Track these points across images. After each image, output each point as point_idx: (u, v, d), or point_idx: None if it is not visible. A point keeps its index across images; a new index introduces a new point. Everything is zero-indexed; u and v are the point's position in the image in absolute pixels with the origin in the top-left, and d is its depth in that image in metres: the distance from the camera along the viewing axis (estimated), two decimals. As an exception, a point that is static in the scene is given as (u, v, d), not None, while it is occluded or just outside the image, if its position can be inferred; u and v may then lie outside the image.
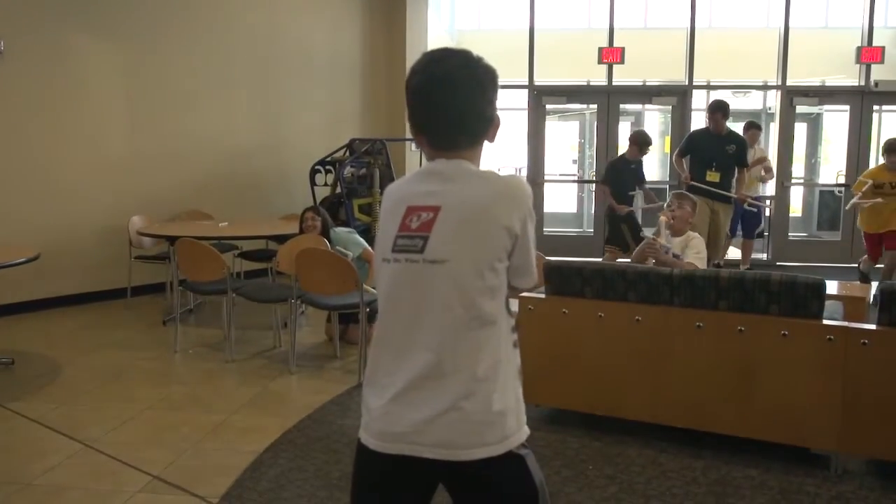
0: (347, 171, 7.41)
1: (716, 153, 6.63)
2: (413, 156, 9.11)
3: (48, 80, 6.48)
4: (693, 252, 4.27)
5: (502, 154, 13.99)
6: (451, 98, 1.56)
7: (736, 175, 6.80)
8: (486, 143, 1.63)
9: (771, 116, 10.78)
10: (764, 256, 9.29)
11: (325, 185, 7.75)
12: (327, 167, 7.75)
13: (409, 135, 7.48)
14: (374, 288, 5.06)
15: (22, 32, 6.27)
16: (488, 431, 1.52)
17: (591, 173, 10.74)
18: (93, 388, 4.51)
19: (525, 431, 1.58)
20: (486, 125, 1.61)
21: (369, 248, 5.40)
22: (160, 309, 6.53)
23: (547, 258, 4.12)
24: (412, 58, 8.06)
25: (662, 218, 4.41)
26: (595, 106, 9.98)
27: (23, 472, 3.33)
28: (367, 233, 7.25)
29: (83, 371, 4.85)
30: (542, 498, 1.58)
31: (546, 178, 9.87)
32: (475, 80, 1.57)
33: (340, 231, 5.50)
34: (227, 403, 4.22)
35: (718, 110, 6.68)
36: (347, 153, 7.83)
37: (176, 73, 7.35)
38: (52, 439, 3.71)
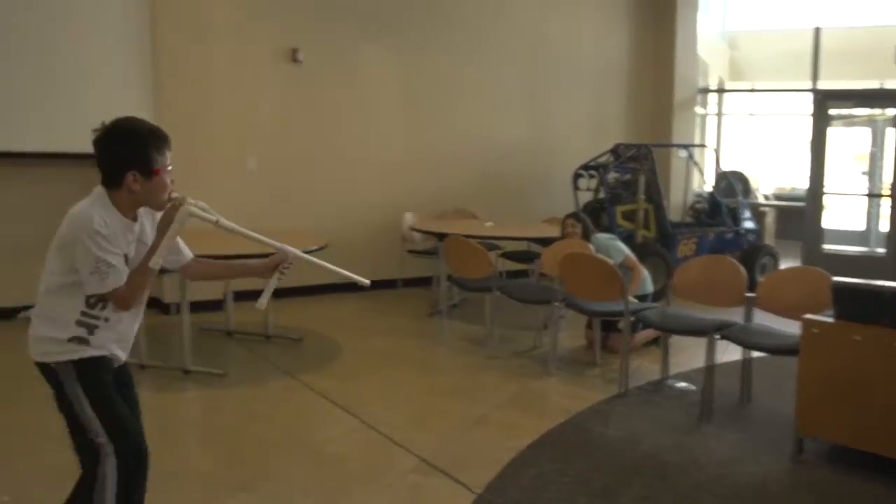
0: (611, 176, 7.32)
1: None
2: (679, 162, 8.81)
3: (338, 86, 7.12)
4: None
5: (780, 162, 13.08)
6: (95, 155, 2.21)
7: None
8: (127, 191, 2.19)
9: None
10: None
11: (588, 189, 7.72)
12: (591, 172, 7.72)
13: (675, 140, 7.22)
14: (633, 297, 4.97)
15: (317, 43, 6.94)
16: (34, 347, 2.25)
17: (883, 187, 9.64)
18: (368, 370, 4.87)
19: (61, 356, 2.22)
20: (108, 178, 2.20)
21: (631, 256, 5.30)
22: (427, 301, 6.90)
23: (835, 279, 3.76)
24: (681, 62, 7.81)
25: None
26: (892, 111, 8.95)
27: (310, 437, 3.68)
28: (630, 240, 7.11)
29: (359, 353, 5.26)
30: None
31: (828, 191, 9.02)
32: (99, 146, 2.19)
33: (602, 237, 5.45)
34: (489, 398, 4.35)
35: None
36: (612, 158, 7.74)
37: (449, 77, 7.73)
38: (334, 412, 4.07)
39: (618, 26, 9.06)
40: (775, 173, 13.08)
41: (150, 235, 2.29)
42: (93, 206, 2.17)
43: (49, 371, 2.24)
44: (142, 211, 2.29)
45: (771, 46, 12.67)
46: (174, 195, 2.25)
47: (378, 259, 7.32)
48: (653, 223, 7.43)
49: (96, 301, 2.21)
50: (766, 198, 11.34)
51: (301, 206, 6.91)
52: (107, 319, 2.25)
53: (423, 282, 7.38)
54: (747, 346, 4.11)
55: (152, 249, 2.21)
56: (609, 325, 5.24)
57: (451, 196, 7.76)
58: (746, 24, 13.81)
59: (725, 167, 9.16)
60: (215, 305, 6.03)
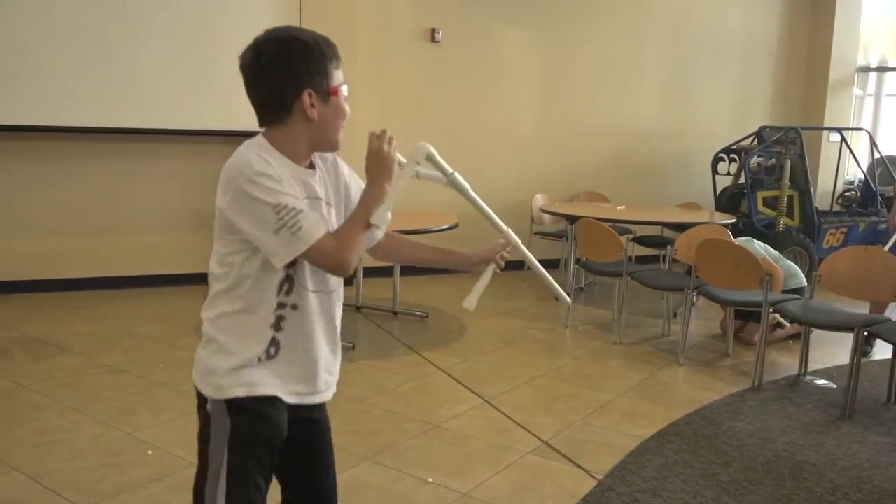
0: (754, 160, 6.98)
1: None
2: (831, 148, 8.27)
3: (475, 66, 7.13)
4: None
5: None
6: (247, 87, 1.62)
7: None
8: (302, 120, 1.61)
9: None
10: None
11: (728, 174, 7.40)
12: (732, 156, 7.39)
13: (828, 123, 6.75)
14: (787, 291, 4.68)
15: (456, 22, 6.97)
16: (199, 376, 1.67)
17: None
18: (491, 350, 4.89)
19: (224, 394, 1.62)
20: (275, 108, 1.60)
21: (769, 258, 4.93)
22: (553, 284, 6.84)
23: None
24: (840, 39, 7.30)
25: None
26: None
27: (433, 414, 3.74)
28: (772, 227, 6.78)
29: (483, 332, 5.29)
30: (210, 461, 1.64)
31: None
32: (256, 71, 1.59)
33: (739, 241, 5.17)
34: (614, 384, 4.27)
35: None
36: (755, 141, 7.37)
37: (586, 56, 7.58)
38: (457, 390, 4.11)
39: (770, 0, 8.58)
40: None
41: (333, 196, 1.74)
42: (248, 149, 1.58)
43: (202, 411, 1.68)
44: (316, 161, 1.71)
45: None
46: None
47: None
48: (797, 211, 7.03)
49: (283, 280, 1.62)
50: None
51: (433, 184, 7.00)
52: (294, 307, 1.65)
53: (550, 264, 7.31)
54: (899, 344, 3.82)
55: (370, 197, 1.64)
56: (747, 314, 5.02)
57: (583, 178, 7.64)
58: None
59: (884, 152, 8.52)
60: (345, 280, 6.24)
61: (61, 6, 5.54)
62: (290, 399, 1.67)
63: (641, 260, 7.02)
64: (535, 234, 6.98)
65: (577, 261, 5.81)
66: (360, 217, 1.62)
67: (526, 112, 7.47)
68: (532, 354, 4.83)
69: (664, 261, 6.61)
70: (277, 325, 1.63)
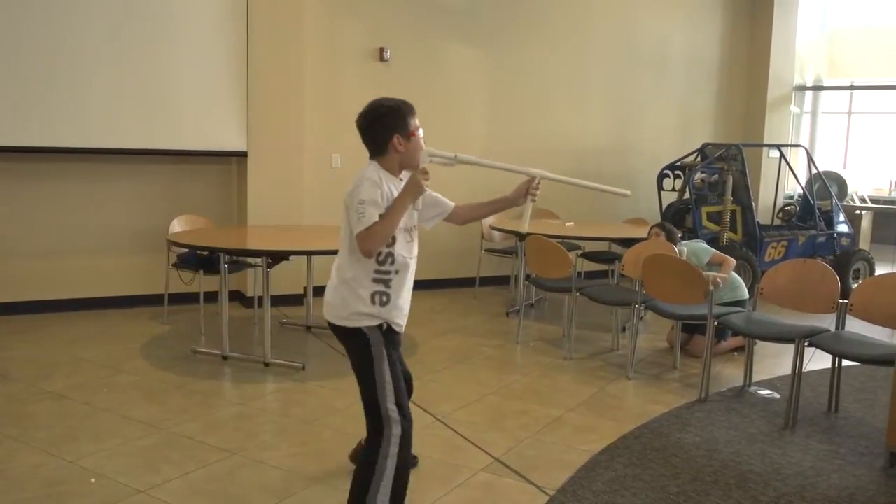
0: (698, 176, 7.14)
1: None
2: (771, 163, 8.51)
3: (423, 84, 7.17)
4: None
5: (880, 162, 12.50)
6: (362, 137, 2.65)
7: None
8: (394, 152, 2.61)
9: None
10: None
11: (673, 190, 7.55)
12: (676, 172, 7.55)
13: (768, 139, 7.00)
14: (728, 303, 4.83)
15: (404, 42, 7.01)
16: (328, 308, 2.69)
17: None
18: (443, 368, 4.89)
19: (352, 321, 2.62)
20: (377, 146, 2.63)
21: (719, 252, 5.16)
22: (504, 301, 6.88)
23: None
24: (778, 59, 7.54)
25: None
26: None
27: (385, 434, 3.70)
28: (715, 242, 6.93)
29: (435, 350, 5.29)
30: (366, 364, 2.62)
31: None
32: (365, 123, 2.62)
33: (687, 243, 5.32)
34: (565, 399, 4.31)
35: None
36: (699, 158, 7.54)
37: (533, 75, 7.69)
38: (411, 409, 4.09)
39: (710, 20, 8.83)
40: (874, 175, 12.48)
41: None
42: (371, 166, 2.60)
43: (353, 334, 2.62)
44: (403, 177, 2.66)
45: (874, 41, 12.09)
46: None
47: (456, 257, 7.35)
48: (739, 225, 7.20)
49: (385, 257, 2.58)
50: (863, 200, 10.83)
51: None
52: (397, 272, 2.63)
53: (501, 280, 7.37)
54: (838, 354, 3.93)
55: (400, 198, 2.53)
56: (693, 327, 5.12)
57: (531, 195, 7.71)
58: (849, 21, 13.19)
59: (820, 168, 8.81)
60: (295, 300, 6.18)
61: (3, 24, 5.42)
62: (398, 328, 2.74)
63: (590, 275, 7.11)
64: (485, 251, 7.01)
65: (527, 277, 5.85)
66: (392, 211, 2.51)
67: (474, 130, 7.53)
68: (483, 371, 4.85)
69: (612, 276, 6.70)
70: (387, 283, 2.64)
